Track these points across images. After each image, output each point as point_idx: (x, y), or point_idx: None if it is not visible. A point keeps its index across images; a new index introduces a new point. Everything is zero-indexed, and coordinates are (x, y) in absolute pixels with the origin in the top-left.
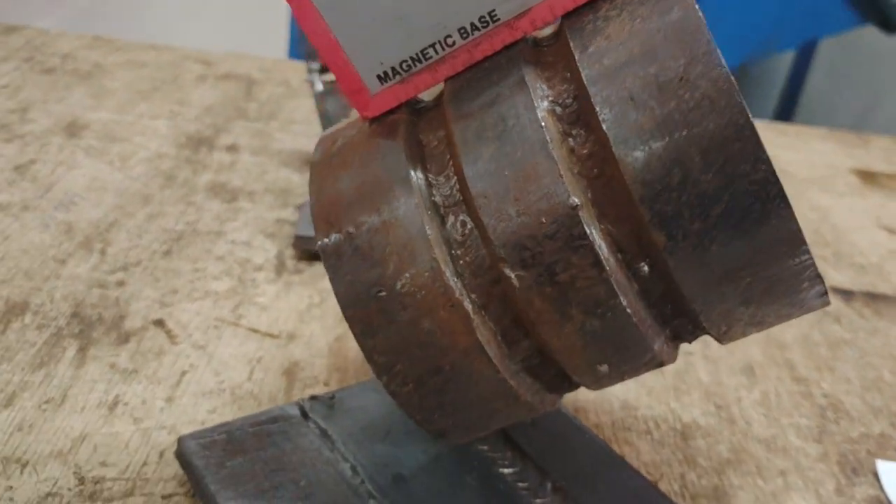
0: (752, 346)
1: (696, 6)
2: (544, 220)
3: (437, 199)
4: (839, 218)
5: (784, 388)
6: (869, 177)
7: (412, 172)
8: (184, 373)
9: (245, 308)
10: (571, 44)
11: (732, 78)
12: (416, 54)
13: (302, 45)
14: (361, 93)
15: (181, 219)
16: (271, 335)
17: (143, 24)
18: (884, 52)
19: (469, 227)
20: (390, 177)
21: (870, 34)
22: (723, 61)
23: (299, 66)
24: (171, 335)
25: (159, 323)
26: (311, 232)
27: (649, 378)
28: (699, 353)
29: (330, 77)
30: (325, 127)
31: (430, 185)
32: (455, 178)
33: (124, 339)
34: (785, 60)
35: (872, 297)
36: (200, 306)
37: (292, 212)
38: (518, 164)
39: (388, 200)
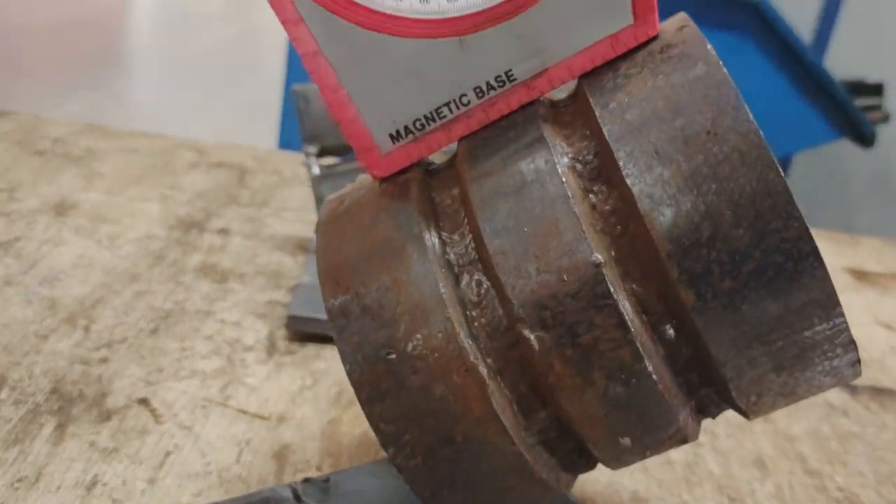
0: (761, 438)
1: (720, 63)
2: (566, 278)
3: (452, 257)
4: None
5: (797, 480)
6: (862, 275)
7: (425, 231)
8: (168, 453)
9: (234, 388)
10: (591, 100)
11: (761, 133)
12: (431, 113)
13: (301, 128)
14: (372, 151)
15: (169, 297)
16: (261, 417)
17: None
18: (855, 167)
19: (485, 286)
20: (402, 235)
21: (843, 148)
22: (751, 116)
23: (292, 157)
24: (155, 414)
25: (143, 401)
26: (304, 312)
27: (658, 470)
28: (708, 445)
29: (327, 161)
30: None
31: (443, 243)
32: (470, 236)
33: (106, 416)
34: None
35: (877, 392)
36: (187, 385)
37: (285, 294)
38: (538, 219)
39: (400, 259)
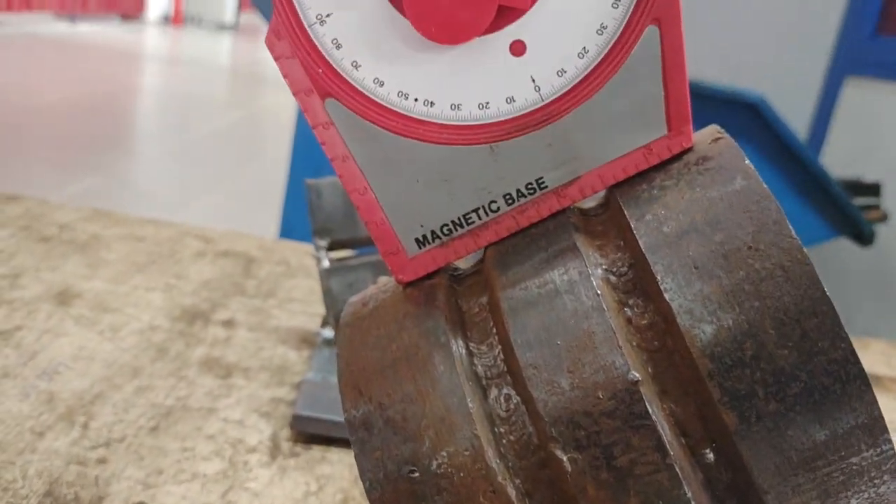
0: None
1: (759, 177)
2: (601, 396)
3: (479, 369)
4: None
5: None
6: (873, 380)
7: (452, 340)
8: None
9: (235, 494)
10: (626, 212)
11: (805, 250)
12: (459, 218)
13: (312, 221)
14: (398, 255)
15: (171, 393)
16: None
17: (143, 198)
18: (852, 265)
19: (514, 401)
20: (428, 344)
21: (840, 247)
22: (793, 232)
23: (298, 247)
24: None
25: None
26: (310, 412)
27: None
28: None
29: (337, 255)
30: (328, 305)
31: (471, 354)
32: (499, 347)
33: None
34: None
35: None
36: (187, 490)
37: (288, 391)
38: (572, 332)
39: (426, 369)
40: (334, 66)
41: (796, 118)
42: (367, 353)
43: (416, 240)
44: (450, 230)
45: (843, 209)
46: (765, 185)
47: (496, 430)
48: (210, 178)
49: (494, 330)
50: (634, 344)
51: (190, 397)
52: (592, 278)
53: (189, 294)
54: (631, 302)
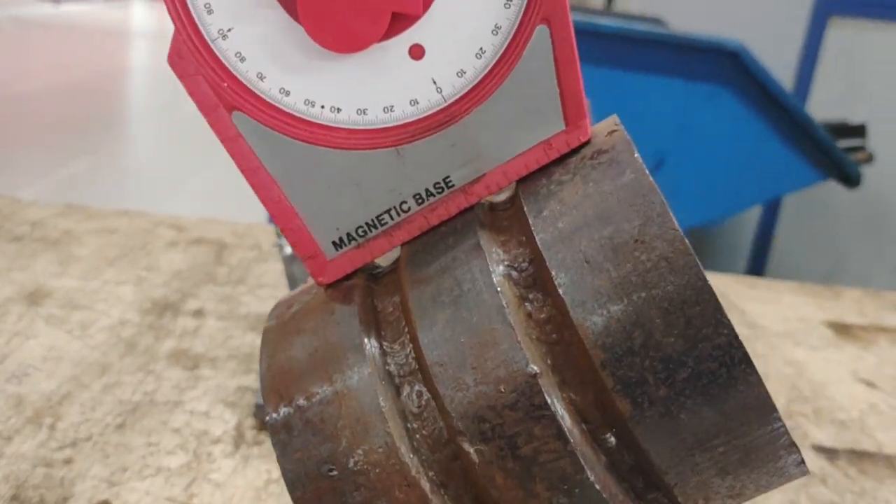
0: None
1: (646, 170)
2: (503, 389)
3: (392, 368)
4: (816, 372)
5: None
6: (842, 329)
7: (366, 340)
8: None
9: (198, 486)
10: (525, 208)
11: (686, 240)
12: (372, 220)
13: None
14: (317, 258)
15: (139, 388)
16: None
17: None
18: (844, 208)
19: (426, 397)
20: (343, 344)
21: (831, 189)
22: (676, 223)
23: (271, 230)
24: None
25: None
26: None
27: None
28: None
29: None
30: (293, 290)
31: (384, 353)
32: (411, 345)
33: None
34: (752, 218)
35: (857, 456)
36: (151, 485)
37: (255, 378)
38: (474, 329)
39: (341, 370)
40: (239, 78)
41: (782, 63)
42: (287, 356)
43: (334, 242)
44: (365, 231)
45: (829, 152)
46: (650, 179)
47: (409, 425)
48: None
49: (406, 329)
50: (534, 337)
51: (157, 391)
52: (494, 275)
53: (160, 286)
54: (531, 296)
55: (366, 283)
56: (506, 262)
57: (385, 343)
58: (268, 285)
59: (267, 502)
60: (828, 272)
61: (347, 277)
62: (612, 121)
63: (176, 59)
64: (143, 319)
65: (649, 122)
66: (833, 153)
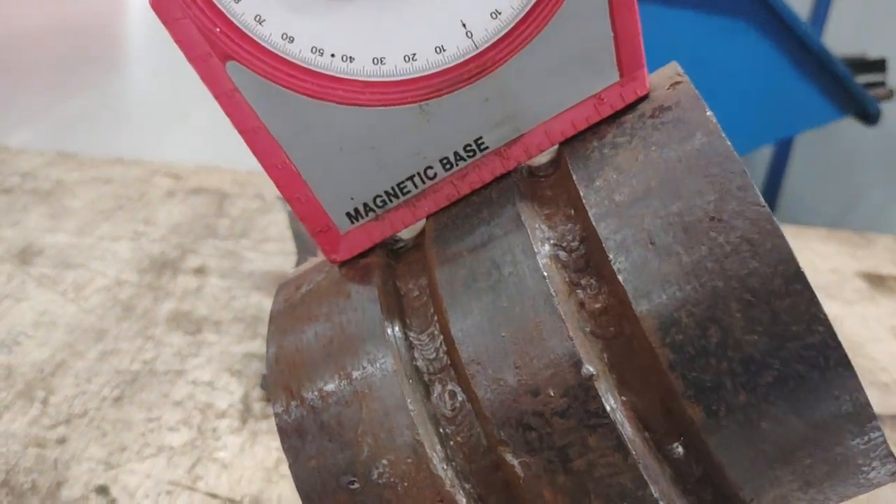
0: None
1: (721, 132)
2: (552, 393)
3: (420, 363)
4: (853, 329)
5: None
6: (877, 280)
7: (389, 329)
8: None
9: (203, 466)
10: (574, 175)
11: (774, 219)
12: (393, 188)
13: None
14: (329, 232)
15: (137, 357)
16: (232, 501)
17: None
18: (861, 146)
19: (460, 398)
20: (362, 334)
21: (846, 126)
22: (760, 197)
23: None
24: None
25: (102, 490)
26: None
27: None
28: None
29: None
30: (298, 248)
31: (410, 345)
32: (441, 337)
33: None
34: (763, 156)
35: None
36: (152, 466)
37: (261, 344)
38: (517, 322)
39: (361, 365)
40: (234, 22)
41: None
42: (298, 347)
43: (348, 214)
44: (384, 201)
45: (847, 88)
46: (727, 142)
47: (441, 431)
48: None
49: (435, 317)
50: (588, 331)
51: (157, 360)
52: (539, 257)
53: (157, 241)
54: (583, 282)
55: (386, 262)
56: (552, 241)
57: (411, 333)
58: (272, 239)
59: (278, 484)
60: (840, 211)
61: (364, 254)
62: (673, 70)
63: (160, 0)
64: (141, 279)
65: (666, 56)
66: (852, 89)
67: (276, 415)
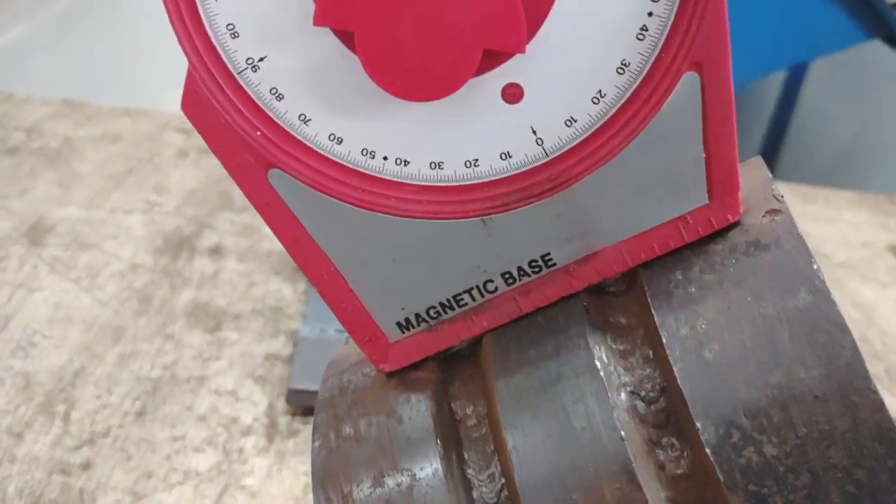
0: None
1: (828, 288)
2: None
3: None
4: (887, 317)
5: None
6: None
7: (447, 472)
8: None
9: (231, 496)
10: (656, 315)
11: (889, 413)
12: (448, 300)
13: None
14: (377, 342)
15: (157, 360)
16: None
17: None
18: (882, 68)
19: None
20: (418, 474)
21: (871, 50)
22: (871, 380)
23: None
24: None
25: None
26: (306, 385)
27: None
28: None
29: None
30: None
31: (468, 485)
32: (502, 481)
33: None
34: (777, 78)
35: None
36: (179, 497)
37: (284, 343)
38: (590, 484)
39: None
40: (277, 122)
41: None
42: (347, 474)
43: (398, 324)
44: (438, 313)
45: (875, 9)
46: (836, 305)
47: None
48: None
49: (497, 457)
50: (666, 497)
51: (177, 364)
52: (615, 412)
53: (171, 214)
54: (664, 441)
55: (439, 378)
56: (629, 388)
57: (469, 471)
58: None
59: None
60: (854, 137)
61: (415, 366)
62: (764, 182)
63: (191, 104)
64: (157, 263)
65: None
66: (881, 10)
67: None
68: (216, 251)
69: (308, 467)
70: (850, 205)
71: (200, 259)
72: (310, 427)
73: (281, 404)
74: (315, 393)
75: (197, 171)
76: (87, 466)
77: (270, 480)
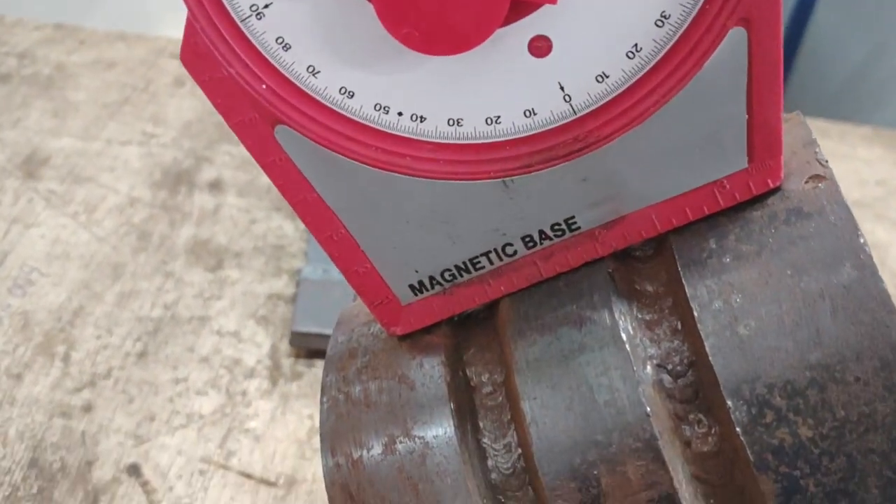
0: None
1: (874, 263)
2: None
3: (495, 476)
4: None
5: None
6: None
7: (458, 436)
8: None
9: (235, 439)
10: (686, 285)
11: None
12: (464, 262)
13: None
14: (389, 304)
15: (158, 299)
16: (267, 482)
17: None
18: None
19: None
20: (431, 442)
21: None
22: None
23: None
24: (147, 490)
25: (134, 470)
26: (309, 327)
27: None
28: None
29: None
30: None
31: (483, 455)
32: (518, 451)
33: (93, 500)
34: None
35: None
36: (182, 440)
37: (287, 283)
38: (613, 461)
39: (430, 479)
40: (284, 74)
41: None
42: (358, 440)
43: (411, 286)
44: (453, 276)
45: None
46: (882, 281)
47: None
48: None
49: (513, 426)
50: (692, 474)
51: (178, 303)
52: (641, 387)
53: (169, 145)
54: (691, 417)
55: (453, 343)
56: (655, 361)
57: (484, 440)
58: None
59: (312, 461)
60: (865, 64)
61: (427, 329)
62: (807, 144)
63: (191, 55)
64: (155, 197)
65: None
66: None
67: None
68: (216, 186)
69: (312, 410)
70: (865, 141)
71: (200, 194)
72: (314, 370)
73: (284, 346)
74: (319, 336)
75: (194, 101)
76: (88, 409)
77: (274, 423)
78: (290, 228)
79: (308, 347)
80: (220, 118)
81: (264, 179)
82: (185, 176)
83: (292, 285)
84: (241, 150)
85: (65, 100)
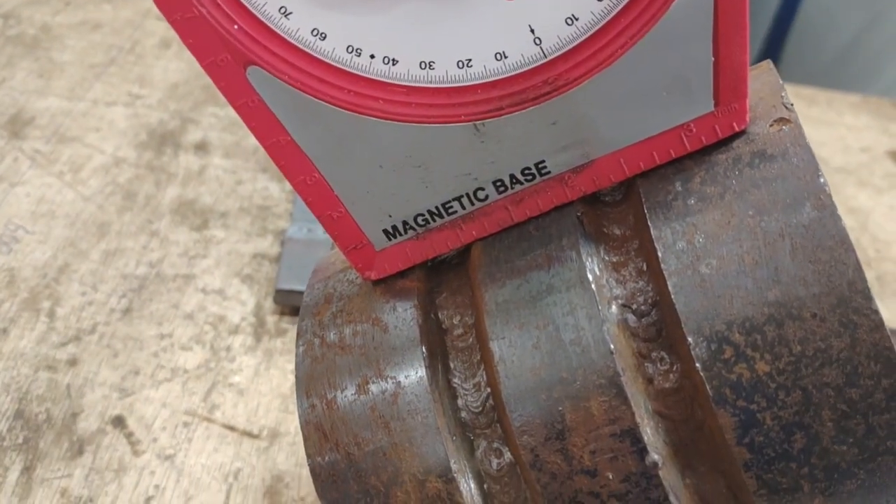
0: None
1: (834, 203)
2: (611, 476)
3: (464, 415)
4: (880, 224)
5: None
6: None
7: (431, 378)
8: (149, 499)
9: (219, 393)
10: (651, 227)
11: (887, 331)
12: (437, 207)
13: None
14: (363, 250)
15: (143, 257)
16: (250, 434)
17: None
18: None
19: (507, 459)
20: (402, 382)
21: None
22: (874, 300)
23: None
24: (132, 441)
25: (118, 422)
26: (293, 285)
27: None
28: None
29: None
30: None
31: (453, 393)
32: (488, 390)
33: (77, 450)
34: None
35: None
36: (167, 393)
37: (271, 242)
38: (578, 398)
39: (401, 416)
40: (256, 14)
41: None
42: (332, 382)
43: (385, 231)
44: (426, 220)
45: None
46: (841, 222)
47: (486, 487)
48: None
49: (482, 367)
50: (653, 410)
51: (163, 261)
52: (605, 325)
53: (155, 107)
54: (654, 355)
55: (426, 288)
56: (620, 301)
57: (455, 380)
58: None
59: (295, 415)
60: (859, 34)
61: (401, 274)
62: (774, 89)
63: None
64: (140, 158)
65: None
66: None
67: (309, 457)
68: (201, 147)
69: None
70: (852, 108)
71: (185, 155)
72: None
73: (269, 304)
74: (303, 293)
75: (180, 63)
76: (73, 363)
77: (258, 378)
78: (275, 189)
79: (292, 305)
80: (206, 80)
81: (251, 141)
82: (171, 137)
83: (277, 245)
84: (228, 112)
85: (50, 60)
